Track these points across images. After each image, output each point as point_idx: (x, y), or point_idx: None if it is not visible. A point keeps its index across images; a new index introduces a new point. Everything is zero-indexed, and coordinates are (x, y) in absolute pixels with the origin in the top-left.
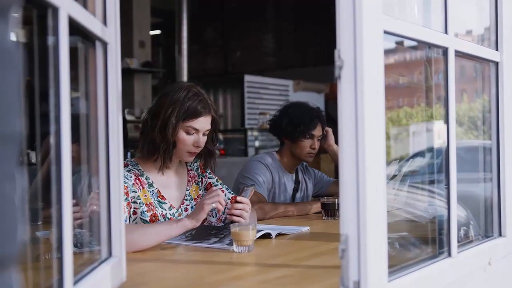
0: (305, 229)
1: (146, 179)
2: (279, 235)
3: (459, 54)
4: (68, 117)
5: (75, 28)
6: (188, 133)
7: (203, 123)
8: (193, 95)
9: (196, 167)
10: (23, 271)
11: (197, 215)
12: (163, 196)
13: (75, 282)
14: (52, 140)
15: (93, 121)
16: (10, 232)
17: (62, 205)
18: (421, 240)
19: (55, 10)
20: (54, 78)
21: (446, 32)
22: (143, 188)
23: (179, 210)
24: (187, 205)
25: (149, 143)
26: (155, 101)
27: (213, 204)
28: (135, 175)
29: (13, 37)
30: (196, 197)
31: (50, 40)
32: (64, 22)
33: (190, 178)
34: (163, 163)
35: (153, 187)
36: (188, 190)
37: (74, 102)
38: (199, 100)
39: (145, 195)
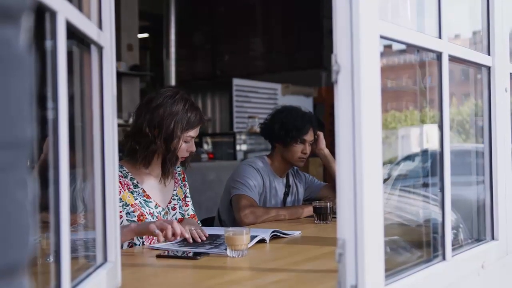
0: (297, 233)
1: (130, 180)
2: (273, 238)
3: (452, 58)
4: (65, 121)
5: (71, 32)
6: (185, 142)
7: (198, 130)
8: (191, 106)
9: (178, 172)
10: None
11: (141, 229)
12: (148, 195)
13: None
14: (46, 144)
15: (88, 125)
16: (22, 239)
17: (60, 210)
18: (414, 244)
19: (53, 14)
20: (52, 82)
21: (440, 36)
22: (127, 189)
23: (166, 209)
24: (174, 204)
25: (151, 154)
26: (150, 111)
27: (156, 231)
28: None
29: (24, 42)
30: (182, 198)
31: (48, 43)
32: (62, 26)
33: (176, 180)
34: (169, 173)
35: (139, 187)
36: (175, 190)
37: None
38: (196, 110)
39: (129, 197)
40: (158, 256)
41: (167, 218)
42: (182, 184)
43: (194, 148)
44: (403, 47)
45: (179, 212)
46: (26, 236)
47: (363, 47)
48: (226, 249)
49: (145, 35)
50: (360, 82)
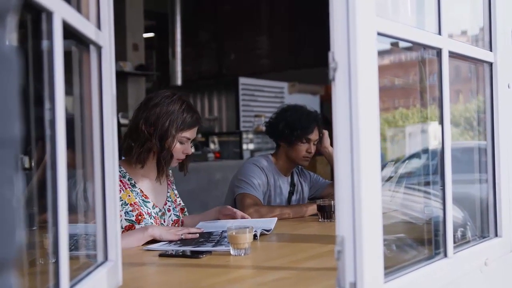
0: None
1: (128, 180)
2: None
3: (453, 55)
4: (63, 122)
5: (69, 32)
6: (181, 142)
7: (195, 132)
8: (188, 107)
9: (170, 175)
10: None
11: (164, 233)
12: (146, 195)
13: (71, 286)
14: (47, 144)
15: (87, 126)
16: (9, 236)
17: (58, 209)
18: (417, 241)
19: (50, 14)
20: (49, 82)
21: (439, 33)
22: (126, 189)
23: (163, 209)
24: (169, 206)
25: (146, 152)
26: (147, 109)
27: (182, 236)
28: None
29: (10, 41)
30: (174, 200)
31: (44, 44)
32: (58, 26)
33: (169, 182)
34: (163, 172)
35: (136, 187)
36: (169, 192)
37: (67, 106)
38: (193, 112)
39: (129, 196)
40: (161, 255)
41: (164, 220)
42: (173, 187)
43: (189, 151)
44: (410, 44)
45: (174, 214)
46: (13, 233)
47: (360, 44)
48: (225, 244)
49: (151, 34)
50: (357, 80)
